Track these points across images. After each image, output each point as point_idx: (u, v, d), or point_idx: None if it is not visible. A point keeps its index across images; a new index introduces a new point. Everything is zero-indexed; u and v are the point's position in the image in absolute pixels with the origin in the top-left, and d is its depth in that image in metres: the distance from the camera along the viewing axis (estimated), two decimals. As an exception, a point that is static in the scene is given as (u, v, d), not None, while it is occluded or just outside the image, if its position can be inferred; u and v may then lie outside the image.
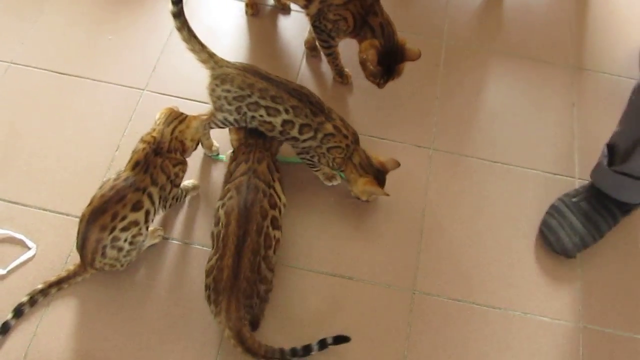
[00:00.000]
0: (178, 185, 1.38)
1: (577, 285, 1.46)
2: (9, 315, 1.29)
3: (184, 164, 1.37)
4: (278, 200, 1.34)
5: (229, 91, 1.37)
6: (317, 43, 1.68)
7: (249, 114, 1.39)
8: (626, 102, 1.39)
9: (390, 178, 1.56)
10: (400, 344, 1.35)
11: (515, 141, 1.70)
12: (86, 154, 1.57)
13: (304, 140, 1.41)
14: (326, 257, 1.46)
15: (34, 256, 1.40)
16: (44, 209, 1.47)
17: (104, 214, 1.24)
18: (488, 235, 1.52)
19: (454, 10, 1.99)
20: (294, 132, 1.39)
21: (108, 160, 1.56)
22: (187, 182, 1.49)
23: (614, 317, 1.42)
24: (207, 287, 1.26)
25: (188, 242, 1.45)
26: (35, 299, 1.32)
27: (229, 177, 1.38)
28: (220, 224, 1.28)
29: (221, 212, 1.30)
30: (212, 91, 1.40)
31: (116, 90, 1.69)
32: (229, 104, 1.39)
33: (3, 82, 1.69)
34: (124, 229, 1.26)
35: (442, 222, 1.53)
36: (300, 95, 1.39)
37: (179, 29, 1.36)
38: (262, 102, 1.37)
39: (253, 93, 1.36)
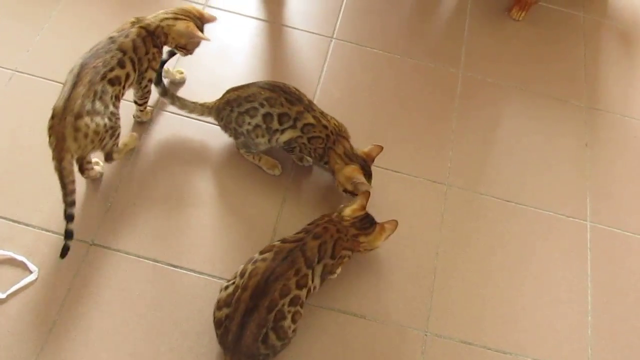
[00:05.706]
0: (154, 69, 1.46)
1: (588, 332, 1.46)
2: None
3: (160, 52, 1.47)
4: (310, 282, 1.27)
5: (222, 119, 1.52)
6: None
7: (240, 130, 1.48)
8: None
9: (405, 213, 1.54)
10: (411, 386, 1.33)
11: (529, 180, 1.69)
12: (93, 172, 1.51)
13: (283, 131, 1.45)
14: (337, 294, 1.43)
15: (35, 280, 1.34)
16: (47, 230, 1.41)
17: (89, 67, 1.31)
18: (500, 276, 1.51)
19: (471, 41, 1.97)
20: (275, 125, 1.44)
21: (116, 180, 1.50)
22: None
23: (624, 367, 1.43)
24: (217, 326, 1.24)
25: (199, 271, 1.41)
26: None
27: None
28: (242, 280, 1.23)
29: (249, 266, 1.24)
30: (224, 129, 1.54)
31: (127, 107, 1.62)
32: (228, 129, 1.52)
33: (6, 91, 1.61)
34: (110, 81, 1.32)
35: (456, 261, 1.51)
36: (273, 87, 1.46)
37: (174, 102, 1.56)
38: (241, 109, 1.46)
39: (233, 108, 1.47)
